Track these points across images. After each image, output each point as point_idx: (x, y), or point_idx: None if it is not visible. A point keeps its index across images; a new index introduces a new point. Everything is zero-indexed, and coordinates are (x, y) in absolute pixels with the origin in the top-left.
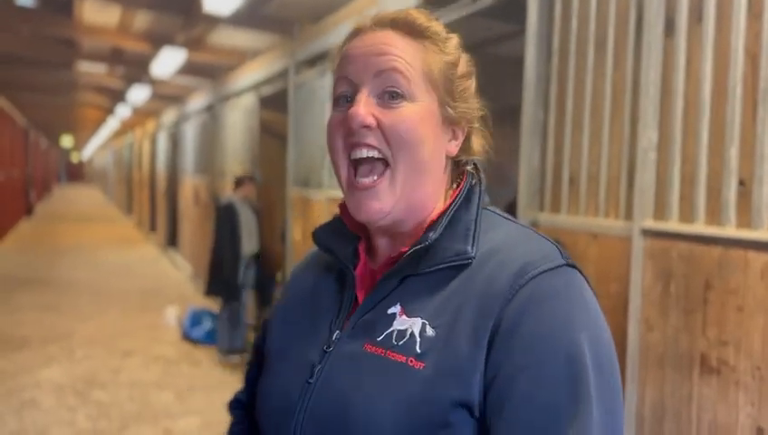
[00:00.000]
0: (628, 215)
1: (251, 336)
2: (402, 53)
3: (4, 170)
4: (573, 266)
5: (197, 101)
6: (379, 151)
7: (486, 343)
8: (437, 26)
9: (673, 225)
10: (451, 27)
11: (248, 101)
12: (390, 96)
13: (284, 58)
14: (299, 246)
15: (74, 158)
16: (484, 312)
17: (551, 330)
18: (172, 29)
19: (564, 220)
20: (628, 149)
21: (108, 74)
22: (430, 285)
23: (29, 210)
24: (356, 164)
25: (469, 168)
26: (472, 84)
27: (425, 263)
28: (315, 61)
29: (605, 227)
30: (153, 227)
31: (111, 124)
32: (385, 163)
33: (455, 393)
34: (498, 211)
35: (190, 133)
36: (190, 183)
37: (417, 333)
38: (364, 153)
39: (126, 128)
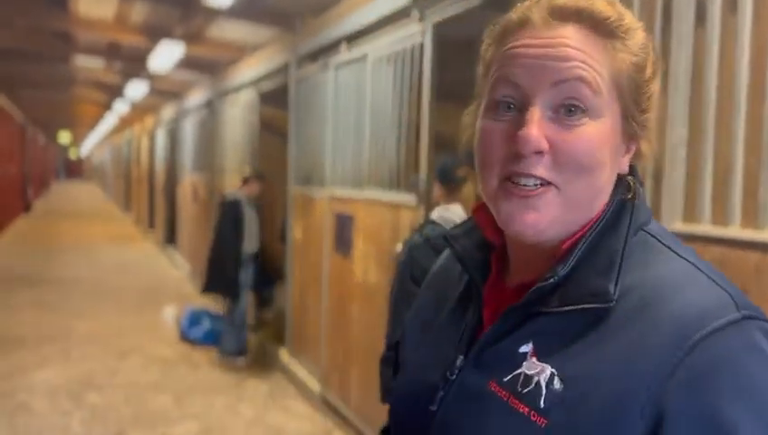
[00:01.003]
0: (654, 216)
1: (251, 337)
2: (589, 58)
3: (2, 167)
4: (755, 318)
5: (196, 97)
6: (548, 180)
7: (642, 426)
8: (630, 20)
9: (705, 228)
10: (452, 22)
11: (248, 97)
12: (568, 110)
13: (285, 52)
14: (300, 245)
15: (73, 154)
16: (631, 379)
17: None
18: (170, 22)
19: None
20: (656, 145)
21: (105, 69)
22: (563, 326)
23: (27, 207)
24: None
25: (628, 178)
26: (657, 87)
27: (557, 298)
28: (317, 55)
29: None
30: (152, 225)
31: (110, 120)
32: (553, 185)
33: None
34: (660, 235)
35: (189, 129)
36: (189, 180)
37: (543, 384)
38: (531, 182)
39: (124, 124)
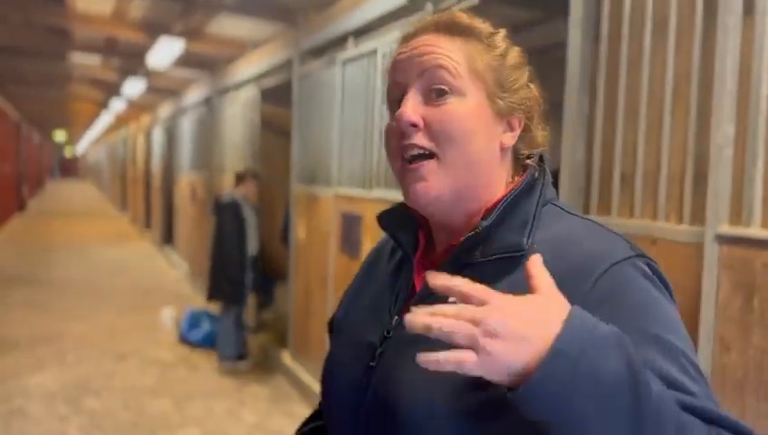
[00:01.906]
0: (698, 218)
1: (251, 340)
2: (445, 51)
3: None
4: (643, 256)
5: (194, 95)
6: (428, 149)
7: None
8: (481, 24)
9: (755, 231)
10: (469, 13)
11: (248, 94)
12: (437, 93)
13: (288, 48)
14: (304, 245)
15: (68, 152)
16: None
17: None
18: (170, 17)
19: (616, 223)
20: (694, 144)
21: (102, 66)
22: (487, 275)
23: (21, 206)
24: (409, 162)
25: (531, 161)
26: (524, 75)
27: (480, 252)
28: (322, 51)
29: (668, 232)
30: (148, 224)
31: (105, 118)
32: (435, 157)
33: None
34: (565, 205)
35: (187, 127)
36: (187, 179)
37: None
38: (415, 152)
39: (120, 122)
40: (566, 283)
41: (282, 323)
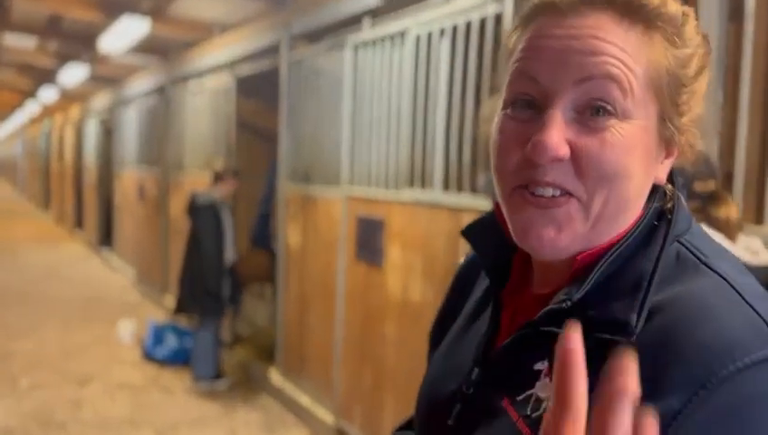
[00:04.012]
0: (758, 218)
1: (228, 356)
2: (621, 52)
3: None
4: None
5: (143, 83)
6: (568, 190)
7: None
8: (675, 7)
9: None
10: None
11: (220, 83)
12: (595, 111)
13: (274, 31)
14: (297, 252)
15: None
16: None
17: None
18: None
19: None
20: None
21: (37, 50)
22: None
23: None
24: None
25: (666, 187)
26: (705, 81)
27: (574, 318)
28: (320, 35)
29: None
30: (79, 224)
31: (30, 109)
32: (577, 198)
33: None
34: (696, 245)
35: (132, 119)
36: (133, 176)
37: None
38: (549, 192)
39: (44, 114)
40: (662, 386)
41: (262, 336)
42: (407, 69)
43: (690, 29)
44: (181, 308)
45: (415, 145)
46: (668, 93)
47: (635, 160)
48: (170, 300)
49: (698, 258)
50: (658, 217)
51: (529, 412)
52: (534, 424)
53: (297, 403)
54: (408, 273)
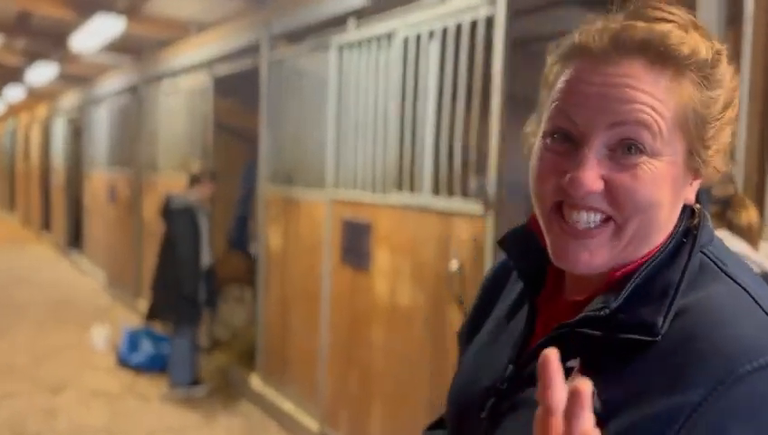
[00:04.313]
0: None
1: (205, 361)
2: (651, 99)
3: None
4: None
5: (114, 82)
6: (604, 214)
7: None
8: (704, 48)
9: None
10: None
11: (196, 82)
12: (627, 148)
13: (253, 30)
14: (278, 255)
15: None
16: (668, 409)
17: None
18: None
19: None
20: None
21: (4, 48)
22: (610, 350)
23: None
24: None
25: (695, 206)
26: (733, 112)
27: (606, 324)
28: (301, 35)
29: None
30: (46, 226)
31: None
32: (612, 222)
33: None
34: (717, 256)
35: (103, 119)
36: (104, 177)
37: None
38: (583, 218)
39: (9, 113)
40: (683, 382)
41: (240, 340)
42: (394, 71)
43: (721, 70)
44: (155, 313)
45: (403, 148)
46: (695, 131)
47: (664, 191)
48: (143, 304)
49: (719, 267)
50: (685, 233)
51: None
52: None
53: (279, 409)
54: (396, 277)
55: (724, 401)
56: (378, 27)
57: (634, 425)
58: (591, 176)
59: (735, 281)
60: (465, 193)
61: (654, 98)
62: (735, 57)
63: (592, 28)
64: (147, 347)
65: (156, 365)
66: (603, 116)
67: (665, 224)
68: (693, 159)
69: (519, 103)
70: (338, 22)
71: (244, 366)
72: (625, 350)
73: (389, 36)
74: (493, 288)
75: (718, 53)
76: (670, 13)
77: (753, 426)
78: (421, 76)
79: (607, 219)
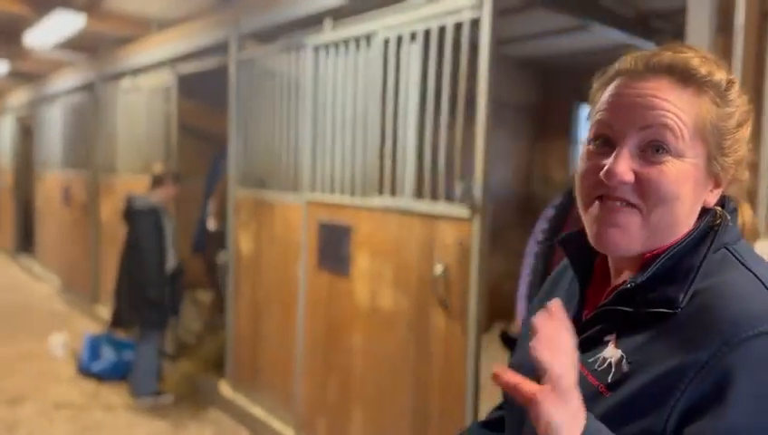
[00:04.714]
0: None
1: (170, 368)
2: (674, 108)
3: None
4: None
5: (68, 80)
6: (632, 202)
7: (680, 402)
8: (720, 74)
9: None
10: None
11: (159, 81)
12: (655, 149)
13: (221, 29)
14: (250, 259)
15: None
16: (681, 365)
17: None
18: None
19: None
20: None
21: None
22: (640, 322)
23: None
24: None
25: (716, 208)
26: (747, 131)
27: (638, 300)
28: (271, 34)
29: None
30: None
31: None
32: (639, 210)
33: (632, 426)
34: (742, 251)
35: (57, 118)
36: (57, 178)
37: (613, 364)
38: (617, 205)
39: None
40: (695, 344)
41: (207, 347)
42: (374, 73)
43: (733, 93)
44: (119, 320)
45: (384, 152)
46: (713, 140)
47: (685, 188)
48: (101, 310)
49: (739, 261)
50: (707, 230)
51: (597, 367)
52: (599, 375)
53: (251, 416)
54: (377, 281)
55: (729, 359)
56: (356, 28)
57: (654, 379)
58: (623, 167)
59: (752, 271)
60: (449, 197)
61: (677, 107)
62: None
63: (629, 57)
64: (108, 354)
65: (118, 373)
66: (634, 120)
67: (685, 218)
68: (713, 165)
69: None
70: (312, 21)
71: (212, 373)
72: (651, 322)
73: (368, 37)
74: (553, 285)
75: (730, 81)
76: (691, 48)
77: (753, 379)
78: (402, 78)
79: (634, 207)
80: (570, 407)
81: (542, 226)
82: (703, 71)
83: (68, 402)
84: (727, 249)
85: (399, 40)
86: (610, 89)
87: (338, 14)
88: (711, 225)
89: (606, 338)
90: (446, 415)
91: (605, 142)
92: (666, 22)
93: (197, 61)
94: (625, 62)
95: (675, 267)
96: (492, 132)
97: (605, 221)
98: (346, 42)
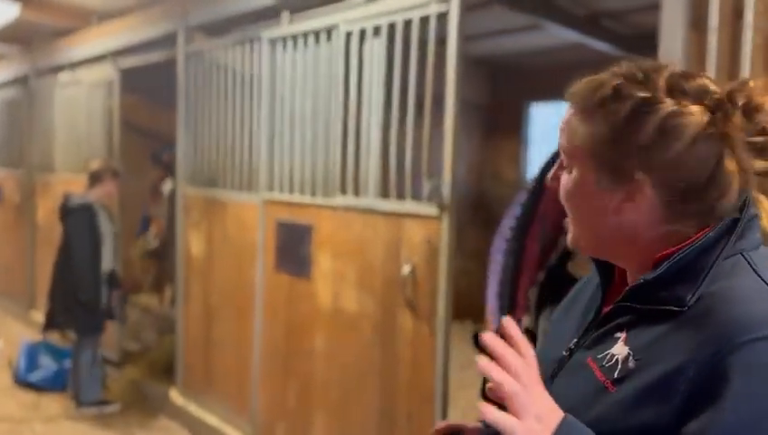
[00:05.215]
0: None
1: (115, 375)
2: (567, 130)
3: None
4: None
5: (0, 73)
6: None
7: (679, 401)
8: (607, 91)
9: None
10: None
11: (100, 75)
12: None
13: (168, 20)
14: (201, 261)
15: None
16: (682, 365)
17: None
18: None
19: None
20: None
21: None
22: (649, 319)
23: None
24: None
25: (727, 215)
26: (662, 138)
27: (649, 298)
28: (222, 27)
29: None
30: None
31: None
32: None
33: (634, 422)
34: (754, 258)
35: None
36: None
37: (620, 361)
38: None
39: None
40: (697, 345)
41: (155, 352)
42: (336, 68)
43: (626, 107)
44: (52, 323)
45: (347, 150)
46: (607, 153)
47: (575, 196)
48: (38, 316)
49: (752, 267)
50: (723, 234)
51: (605, 364)
52: (606, 371)
53: (204, 424)
54: (340, 282)
55: (727, 361)
56: (316, 21)
57: (657, 377)
58: (552, 175)
59: (762, 278)
60: (416, 196)
61: (570, 130)
62: (700, 62)
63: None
64: (47, 363)
65: (59, 382)
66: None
67: (597, 226)
68: (600, 178)
69: (438, 102)
70: (266, 13)
71: (160, 380)
72: (659, 321)
73: (329, 31)
74: (577, 293)
75: (620, 96)
76: (610, 71)
77: (748, 382)
78: (366, 74)
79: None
80: (526, 423)
81: (509, 223)
82: (590, 93)
83: (5, 416)
84: (742, 255)
85: (363, 34)
86: None
87: (295, 7)
88: (727, 229)
89: (617, 335)
90: (413, 418)
91: None
92: (616, 22)
93: (142, 54)
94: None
95: (685, 268)
96: (439, 128)
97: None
98: (305, 35)
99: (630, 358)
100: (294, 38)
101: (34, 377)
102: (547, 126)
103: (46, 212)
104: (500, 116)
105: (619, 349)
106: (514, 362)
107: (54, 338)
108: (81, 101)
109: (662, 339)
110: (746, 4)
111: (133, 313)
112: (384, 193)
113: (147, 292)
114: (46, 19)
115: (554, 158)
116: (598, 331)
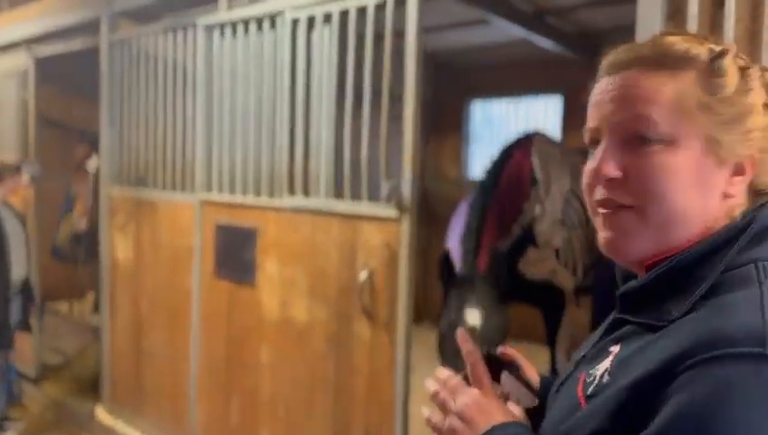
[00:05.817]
0: None
1: (33, 391)
2: (645, 94)
3: None
4: None
5: None
6: (618, 203)
7: (629, 416)
8: (699, 48)
9: None
10: None
11: (11, 64)
12: (640, 141)
13: (89, 6)
14: (128, 268)
15: None
16: (658, 374)
17: None
18: None
19: None
20: None
21: None
22: (637, 332)
23: None
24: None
25: (743, 212)
26: (757, 100)
27: (640, 310)
28: (152, 14)
29: None
30: None
31: None
32: (633, 209)
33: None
34: (765, 268)
35: None
36: None
37: (597, 377)
38: (609, 211)
39: None
40: (661, 357)
41: (77, 367)
42: (281, 58)
43: (725, 63)
44: None
45: (294, 146)
46: (710, 117)
47: (682, 179)
48: None
49: (759, 279)
50: (730, 238)
51: (588, 379)
52: (586, 387)
53: None
54: (288, 289)
55: (680, 379)
56: (258, 6)
57: (639, 383)
58: (603, 161)
59: (762, 290)
60: (372, 197)
61: (651, 93)
62: None
63: (606, 57)
64: None
65: None
66: (609, 114)
67: (695, 210)
68: (716, 147)
69: (378, 95)
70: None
71: (84, 396)
72: (645, 333)
73: (273, 18)
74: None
75: (716, 52)
76: (671, 33)
77: (690, 401)
78: (315, 66)
79: (628, 208)
80: None
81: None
82: (676, 49)
83: None
84: (756, 265)
85: (311, 21)
86: (594, 90)
87: None
88: (730, 234)
89: (611, 348)
90: (372, 432)
91: (597, 143)
92: (560, 19)
93: (60, 41)
94: (603, 62)
95: (684, 278)
96: (374, 123)
97: (605, 227)
98: (246, 22)
99: (606, 374)
100: (234, 25)
101: None
102: (488, 123)
103: None
104: (441, 113)
105: (605, 364)
106: (461, 399)
107: None
108: None
109: (638, 352)
110: None
111: (50, 320)
112: (337, 193)
113: (65, 298)
114: None
115: (506, 154)
116: (598, 344)
